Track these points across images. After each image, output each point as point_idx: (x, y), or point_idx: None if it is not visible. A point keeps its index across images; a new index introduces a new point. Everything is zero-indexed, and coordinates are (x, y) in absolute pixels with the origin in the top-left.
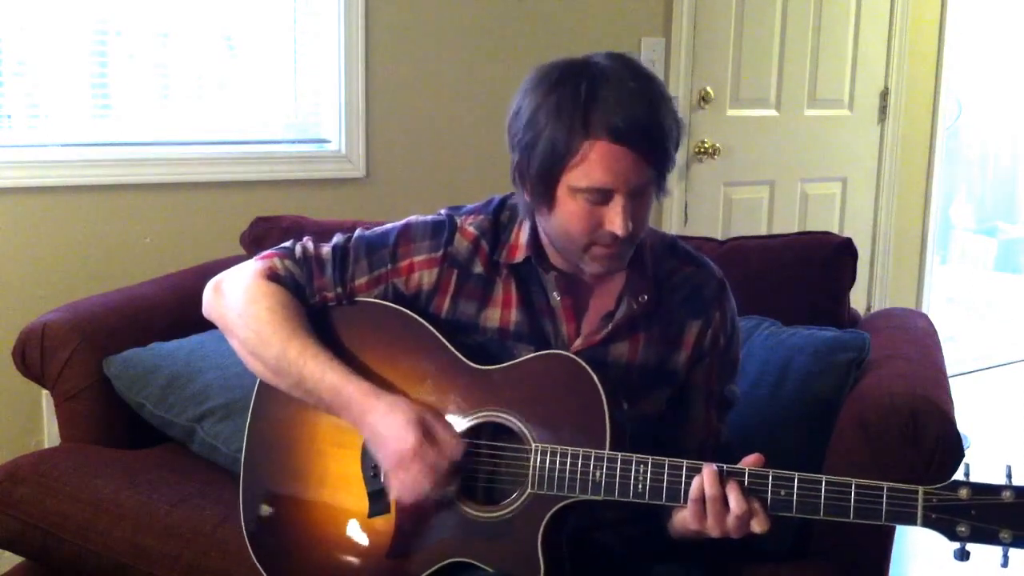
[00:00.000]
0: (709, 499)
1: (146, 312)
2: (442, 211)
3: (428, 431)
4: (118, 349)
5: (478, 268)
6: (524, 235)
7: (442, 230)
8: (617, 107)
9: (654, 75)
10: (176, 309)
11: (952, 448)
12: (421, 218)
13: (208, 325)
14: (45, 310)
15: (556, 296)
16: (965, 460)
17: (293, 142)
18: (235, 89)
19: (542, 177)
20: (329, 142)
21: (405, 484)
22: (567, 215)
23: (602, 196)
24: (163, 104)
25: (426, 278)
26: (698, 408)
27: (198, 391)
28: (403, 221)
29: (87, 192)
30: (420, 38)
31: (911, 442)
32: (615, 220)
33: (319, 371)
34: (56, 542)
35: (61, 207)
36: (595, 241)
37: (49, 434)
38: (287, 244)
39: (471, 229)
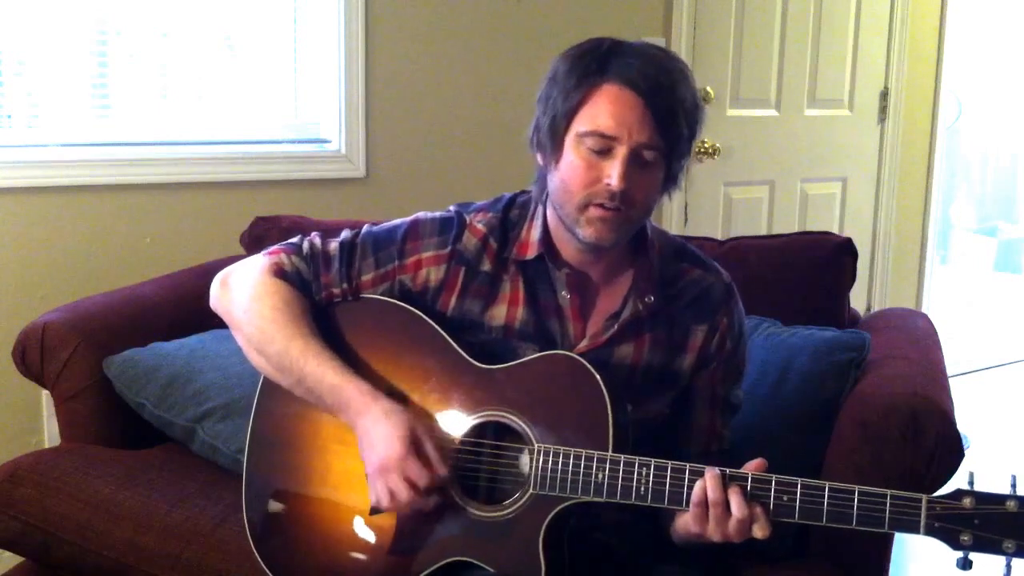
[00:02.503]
0: (711, 503)
1: (146, 312)
2: (451, 208)
3: (417, 446)
4: (118, 349)
5: (486, 266)
6: (536, 232)
7: (450, 227)
8: (634, 59)
9: (681, 60)
10: (176, 309)
11: (952, 448)
12: (429, 215)
13: (208, 325)
14: (45, 310)
15: (565, 294)
16: (969, 468)
17: (293, 142)
18: (235, 89)
19: (553, 126)
20: (329, 142)
21: (381, 492)
22: (569, 167)
23: (604, 145)
24: (163, 104)
25: (433, 275)
26: (702, 412)
27: (198, 391)
28: (411, 217)
29: (87, 192)
30: (420, 38)
31: (911, 442)
32: (612, 172)
33: (320, 371)
34: (56, 542)
35: (61, 207)
36: (591, 199)
37: (49, 434)
38: (294, 240)
39: (480, 226)
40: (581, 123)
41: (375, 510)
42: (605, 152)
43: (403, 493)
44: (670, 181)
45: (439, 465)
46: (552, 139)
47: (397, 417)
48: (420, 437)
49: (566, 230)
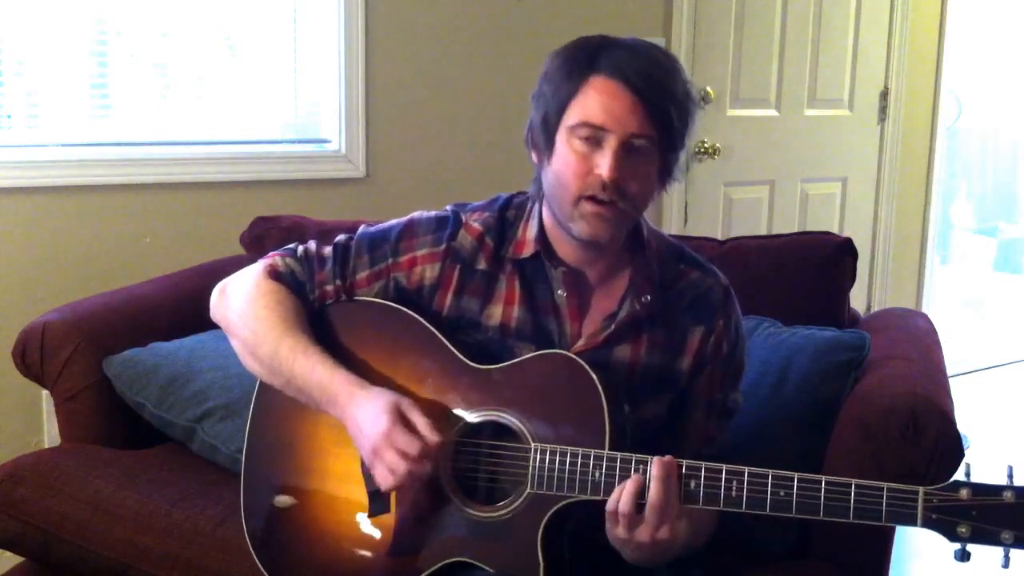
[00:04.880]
0: (620, 513)
1: (146, 312)
2: (448, 207)
3: (402, 417)
4: (118, 349)
5: (482, 264)
6: (532, 231)
7: (446, 225)
8: (625, 53)
9: (672, 55)
10: (176, 309)
11: (952, 448)
12: (426, 214)
13: (208, 325)
14: (45, 310)
15: (561, 293)
16: (966, 460)
17: (293, 142)
18: (235, 89)
19: (545, 122)
20: (329, 142)
21: (380, 473)
22: (561, 160)
23: (595, 137)
24: (163, 104)
25: (428, 272)
26: (699, 417)
27: (198, 391)
28: (407, 217)
29: (87, 192)
30: (420, 38)
31: (911, 442)
32: (602, 163)
33: (309, 367)
34: (56, 542)
35: (61, 207)
36: (584, 192)
37: (49, 434)
38: (291, 245)
39: (476, 225)
40: (571, 116)
41: (374, 511)
42: (596, 144)
43: (399, 466)
44: (665, 174)
45: (429, 431)
46: (545, 134)
47: (378, 397)
48: (405, 409)
49: (562, 228)
